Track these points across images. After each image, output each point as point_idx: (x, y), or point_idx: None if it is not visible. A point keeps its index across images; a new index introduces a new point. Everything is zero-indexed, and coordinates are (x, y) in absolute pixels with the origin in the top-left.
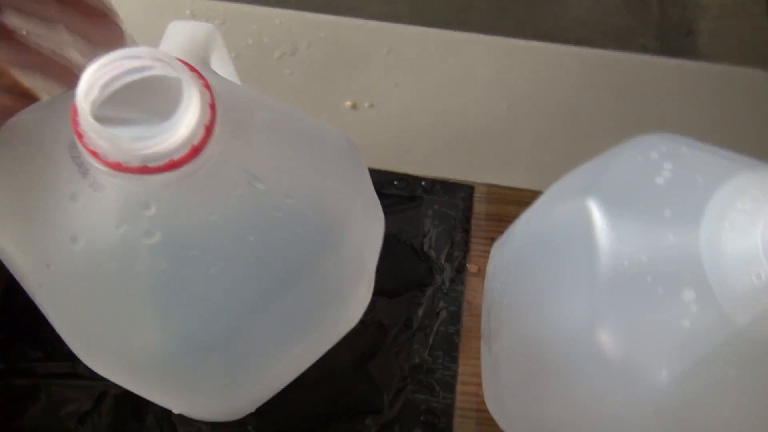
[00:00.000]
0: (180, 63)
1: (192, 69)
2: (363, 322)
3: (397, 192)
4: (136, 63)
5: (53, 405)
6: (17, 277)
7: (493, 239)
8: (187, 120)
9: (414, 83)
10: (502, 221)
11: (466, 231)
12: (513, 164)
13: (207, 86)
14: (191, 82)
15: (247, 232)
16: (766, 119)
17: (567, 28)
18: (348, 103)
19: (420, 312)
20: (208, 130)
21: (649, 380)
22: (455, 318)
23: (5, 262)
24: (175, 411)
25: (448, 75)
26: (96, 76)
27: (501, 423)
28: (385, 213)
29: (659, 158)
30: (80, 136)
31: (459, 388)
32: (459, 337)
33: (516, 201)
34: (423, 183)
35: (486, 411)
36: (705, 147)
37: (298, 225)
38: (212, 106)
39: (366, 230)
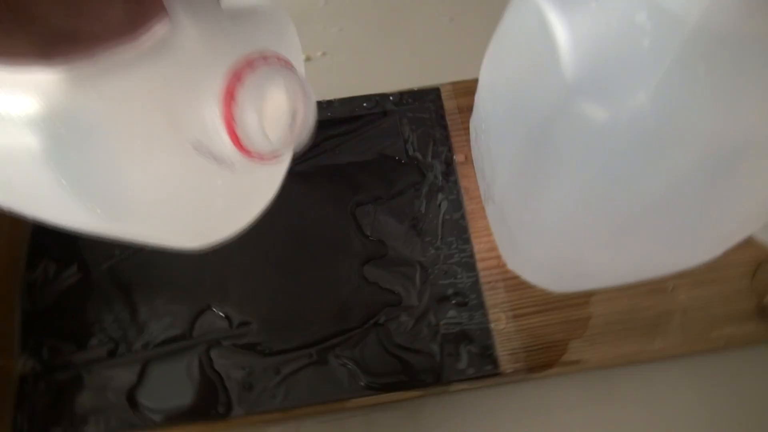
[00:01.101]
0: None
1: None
2: (367, 236)
3: (368, 112)
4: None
5: (99, 388)
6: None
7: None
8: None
9: (356, 24)
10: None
11: (444, 127)
12: (470, 59)
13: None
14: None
15: None
16: None
17: None
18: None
19: (422, 209)
20: None
21: (629, 108)
22: (457, 205)
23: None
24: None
25: (386, 9)
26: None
27: (524, 274)
28: (362, 132)
29: None
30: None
31: (479, 264)
32: (465, 221)
33: None
34: (391, 98)
35: (512, 278)
36: None
37: None
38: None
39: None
